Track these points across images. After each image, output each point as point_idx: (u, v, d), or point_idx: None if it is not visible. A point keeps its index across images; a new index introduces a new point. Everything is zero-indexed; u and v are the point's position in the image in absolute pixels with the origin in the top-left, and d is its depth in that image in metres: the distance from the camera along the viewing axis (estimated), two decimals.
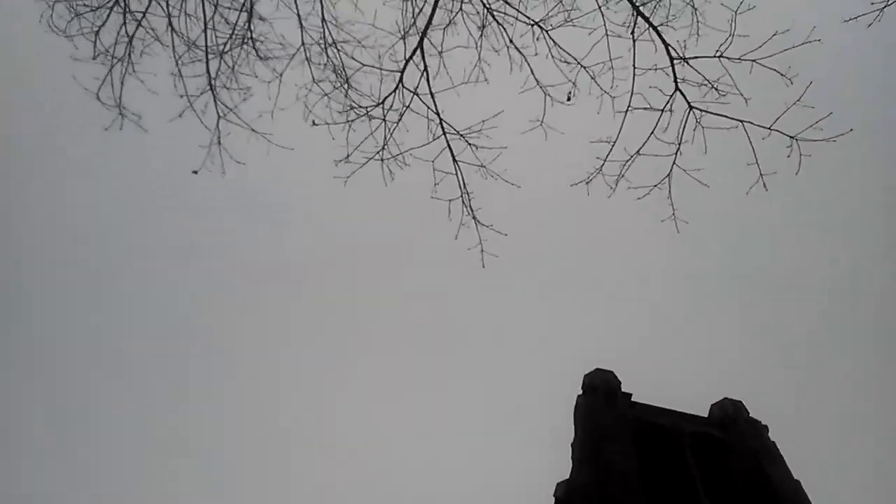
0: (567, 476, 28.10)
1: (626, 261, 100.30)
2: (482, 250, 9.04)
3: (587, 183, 8.04)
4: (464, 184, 8.68)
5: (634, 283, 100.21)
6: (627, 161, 8.28)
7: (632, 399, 26.47)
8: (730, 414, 26.55)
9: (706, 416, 27.13)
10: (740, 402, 27.27)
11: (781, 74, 7.41)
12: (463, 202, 8.89)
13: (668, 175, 8.30)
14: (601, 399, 25.54)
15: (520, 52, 8.46)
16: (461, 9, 8.35)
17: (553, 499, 27.91)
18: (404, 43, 8.31)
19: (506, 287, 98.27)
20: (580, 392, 26.87)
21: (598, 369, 27.26)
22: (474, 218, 8.79)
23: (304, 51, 8.45)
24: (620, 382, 26.91)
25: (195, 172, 8.43)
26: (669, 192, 8.35)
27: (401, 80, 8.40)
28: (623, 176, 8.41)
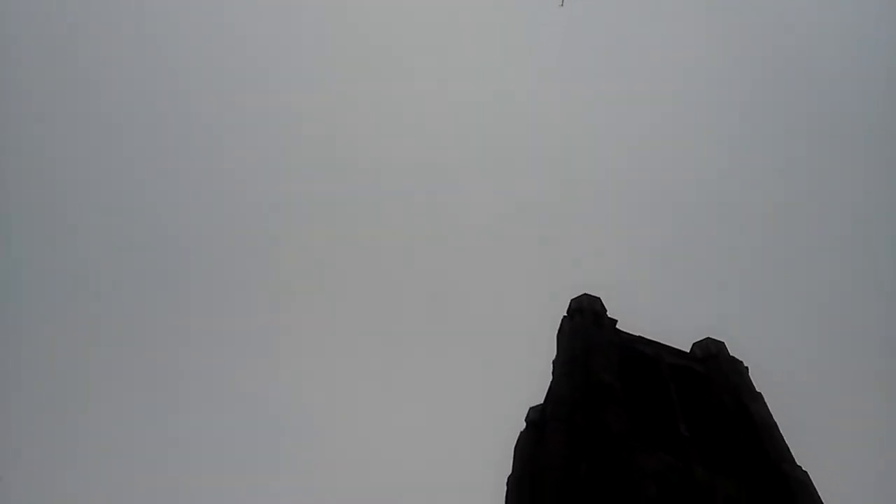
0: (540, 403, 27.64)
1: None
2: None
3: None
4: None
5: None
6: None
7: (616, 326, 25.99)
8: (712, 352, 26.30)
9: (688, 351, 26.87)
10: (722, 342, 27.06)
11: None
12: None
13: None
14: (588, 320, 24.99)
15: None
16: None
17: (524, 423, 27.43)
18: None
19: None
20: (565, 315, 26.31)
21: (585, 294, 26.72)
22: None
23: None
24: (606, 309, 26.44)
25: None
26: None
27: None
28: None
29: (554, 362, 24.68)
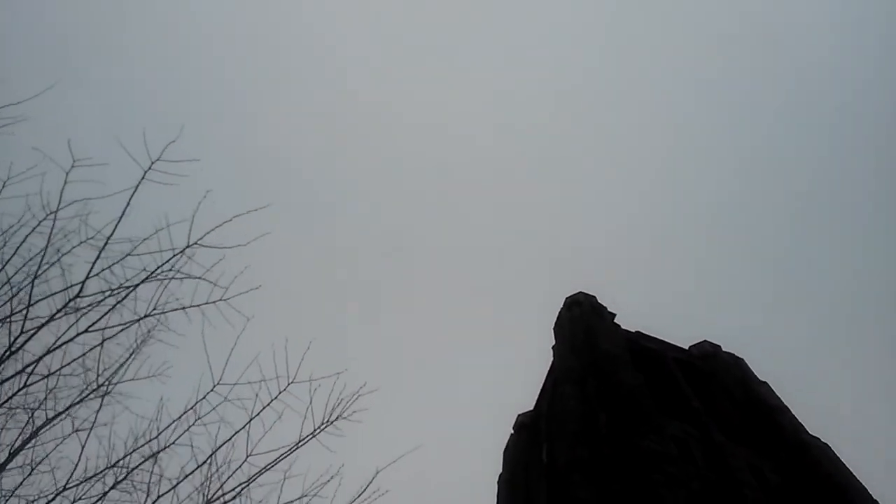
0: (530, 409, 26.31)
1: None
2: None
3: None
4: None
5: None
6: None
7: (615, 321, 25.33)
8: (710, 352, 25.72)
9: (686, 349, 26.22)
10: (718, 344, 26.56)
11: None
12: None
13: None
14: (588, 310, 24.31)
15: None
16: None
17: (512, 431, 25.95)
18: None
19: None
20: (562, 308, 25.59)
21: (580, 291, 26.17)
22: None
23: None
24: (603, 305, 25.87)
25: None
26: None
27: None
28: None
29: (554, 347, 23.74)
